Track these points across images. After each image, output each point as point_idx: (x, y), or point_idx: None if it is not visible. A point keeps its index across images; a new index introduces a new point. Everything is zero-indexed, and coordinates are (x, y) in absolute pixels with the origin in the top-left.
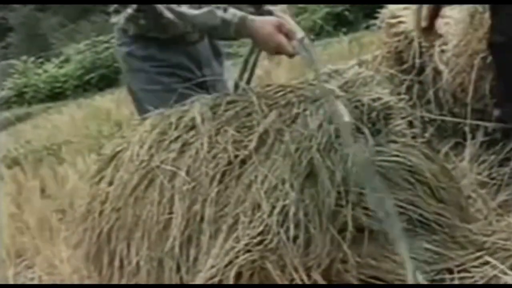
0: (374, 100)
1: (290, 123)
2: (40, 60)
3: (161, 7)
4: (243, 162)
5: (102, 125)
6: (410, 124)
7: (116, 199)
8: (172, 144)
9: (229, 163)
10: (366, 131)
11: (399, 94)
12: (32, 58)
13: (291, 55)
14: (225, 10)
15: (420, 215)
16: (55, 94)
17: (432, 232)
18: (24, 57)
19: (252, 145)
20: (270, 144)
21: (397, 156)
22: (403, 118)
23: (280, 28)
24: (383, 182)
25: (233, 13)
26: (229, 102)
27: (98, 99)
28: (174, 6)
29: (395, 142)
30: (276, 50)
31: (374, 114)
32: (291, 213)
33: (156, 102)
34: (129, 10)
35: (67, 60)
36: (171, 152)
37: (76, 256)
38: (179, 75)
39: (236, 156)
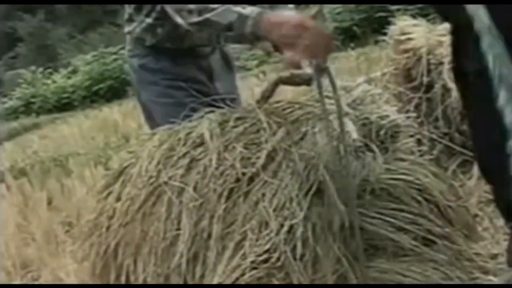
0: (382, 118)
1: (298, 140)
2: (49, 70)
3: (178, 18)
4: (251, 179)
5: (109, 136)
6: (418, 142)
7: (124, 214)
8: (180, 160)
9: (237, 180)
10: (375, 148)
11: (407, 111)
12: (41, 69)
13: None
14: (242, 7)
15: (427, 231)
16: (63, 105)
17: (438, 252)
18: (32, 67)
19: (260, 162)
20: (278, 162)
21: (405, 174)
22: (411, 136)
23: (304, 26)
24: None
25: (251, 8)
26: (237, 119)
27: (106, 110)
28: (189, 17)
29: (403, 160)
30: (296, 46)
31: (382, 132)
32: (298, 232)
33: (167, 116)
34: (148, 20)
35: (75, 71)
36: (179, 168)
37: (82, 270)
38: (191, 89)
39: (244, 174)
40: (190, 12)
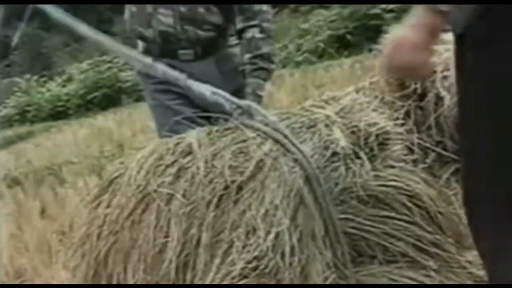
0: (370, 125)
1: (285, 151)
2: (43, 78)
3: None
4: (239, 188)
5: (104, 145)
6: (410, 150)
7: (113, 222)
8: (169, 169)
9: (226, 187)
10: (363, 156)
11: (397, 119)
12: (35, 77)
13: None
14: None
15: (418, 240)
16: (58, 113)
17: (429, 259)
18: (27, 76)
19: (249, 171)
20: (266, 171)
21: (395, 180)
22: (400, 143)
23: None
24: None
25: None
26: (225, 129)
27: (101, 118)
28: None
29: (392, 167)
30: None
31: (371, 140)
32: (285, 238)
33: (157, 116)
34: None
35: (70, 79)
36: (168, 176)
37: (74, 280)
38: (173, 92)
39: (233, 182)
40: None
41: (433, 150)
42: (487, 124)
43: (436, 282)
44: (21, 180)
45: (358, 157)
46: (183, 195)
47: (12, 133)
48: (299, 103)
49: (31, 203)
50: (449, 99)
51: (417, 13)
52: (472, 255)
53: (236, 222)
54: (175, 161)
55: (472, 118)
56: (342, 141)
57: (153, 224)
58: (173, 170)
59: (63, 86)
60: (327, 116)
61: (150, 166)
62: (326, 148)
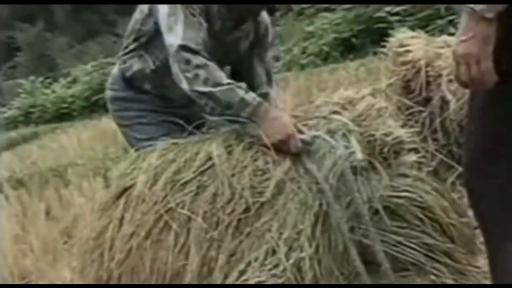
0: (386, 134)
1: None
2: (48, 80)
3: (180, 76)
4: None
5: (108, 147)
6: (418, 154)
7: (128, 241)
8: (188, 186)
9: (247, 209)
10: (379, 166)
11: (409, 125)
12: (40, 78)
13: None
14: (246, 91)
15: (429, 250)
16: (62, 115)
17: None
18: (31, 77)
19: (269, 192)
20: (286, 192)
21: (408, 191)
22: (414, 151)
23: (288, 130)
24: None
25: (253, 96)
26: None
27: (105, 120)
28: (193, 82)
29: (405, 175)
30: (277, 147)
31: (386, 149)
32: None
33: (140, 133)
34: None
35: (74, 81)
36: (188, 194)
37: (79, 281)
38: (158, 111)
39: (254, 203)
40: (196, 76)
41: (440, 153)
42: None
43: None
44: (25, 181)
45: (374, 167)
46: (203, 217)
47: (16, 134)
48: (303, 106)
49: (36, 204)
50: (455, 103)
51: (466, 25)
52: (482, 263)
53: (255, 244)
54: (194, 177)
55: None
56: (358, 153)
57: (172, 244)
58: (192, 187)
59: (68, 87)
60: (345, 124)
61: (167, 180)
62: (344, 160)
